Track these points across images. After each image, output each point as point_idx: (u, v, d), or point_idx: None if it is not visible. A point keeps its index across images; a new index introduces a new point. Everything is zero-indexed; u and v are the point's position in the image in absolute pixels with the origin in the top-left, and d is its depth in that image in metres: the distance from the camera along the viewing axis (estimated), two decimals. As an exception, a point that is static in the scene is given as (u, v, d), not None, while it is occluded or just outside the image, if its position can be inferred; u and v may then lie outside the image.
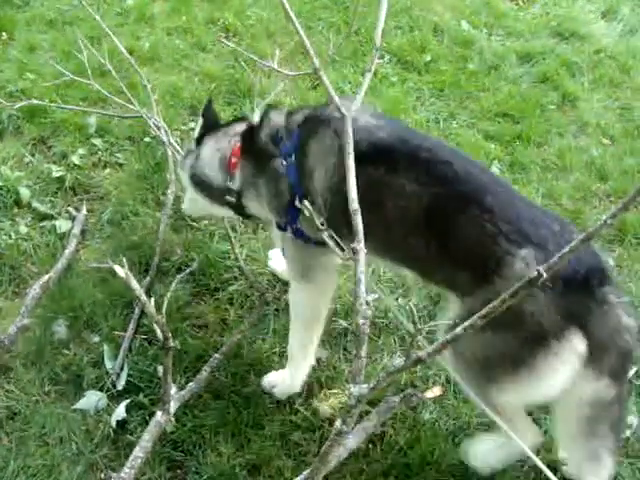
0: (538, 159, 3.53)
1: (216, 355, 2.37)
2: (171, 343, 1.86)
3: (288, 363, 2.53)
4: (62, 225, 3.04)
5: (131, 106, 3.13)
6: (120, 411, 2.41)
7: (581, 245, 1.43)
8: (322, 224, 2.19)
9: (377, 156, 2.03)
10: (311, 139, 2.25)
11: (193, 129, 2.86)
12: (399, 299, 2.83)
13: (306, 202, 2.19)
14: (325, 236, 2.18)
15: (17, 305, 2.67)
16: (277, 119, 2.36)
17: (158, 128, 3.06)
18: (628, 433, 2.49)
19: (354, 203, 1.81)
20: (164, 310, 1.83)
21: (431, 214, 2.03)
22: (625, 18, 4.60)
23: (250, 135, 2.39)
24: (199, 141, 2.51)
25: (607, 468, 2.16)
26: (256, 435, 2.40)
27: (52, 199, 3.18)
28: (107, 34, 4.01)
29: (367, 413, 2.15)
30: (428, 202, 2.05)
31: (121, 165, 3.36)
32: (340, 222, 2.07)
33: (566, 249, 1.42)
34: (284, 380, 2.51)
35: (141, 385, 2.50)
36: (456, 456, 2.40)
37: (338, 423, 1.75)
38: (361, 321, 1.71)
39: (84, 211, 3.09)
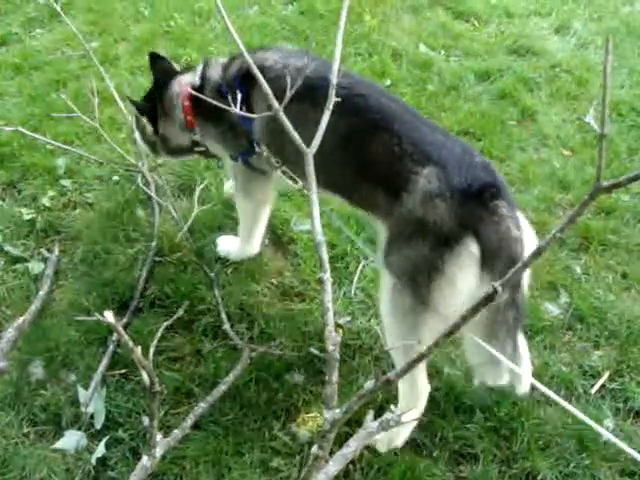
0: (501, 174, 3.57)
1: (202, 404, 2.39)
2: (157, 388, 1.87)
3: (239, 239, 3.08)
4: (35, 267, 3.06)
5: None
6: (100, 449, 2.42)
7: (533, 259, 1.48)
8: (277, 162, 2.48)
9: (303, 93, 2.15)
10: (251, 89, 2.53)
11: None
12: (371, 320, 2.87)
13: (263, 146, 2.46)
14: (280, 172, 2.46)
15: (-8, 349, 2.68)
16: (215, 75, 2.71)
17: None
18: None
19: (318, 235, 1.87)
20: (151, 356, 1.86)
21: (349, 141, 2.20)
22: (578, 33, 4.71)
23: (197, 96, 2.60)
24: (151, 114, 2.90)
25: (507, 372, 2.33)
26: (236, 463, 2.41)
27: (24, 242, 3.20)
28: (72, 78, 4.12)
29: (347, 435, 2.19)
30: (345, 131, 2.24)
31: (91, 205, 3.38)
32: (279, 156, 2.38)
33: (520, 263, 1.48)
34: (235, 246, 3.09)
35: (120, 420, 2.51)
36: (437, 472, 2.42)
37: (314, 448, 1.78)
38: (331, 347, 1.76)
39: (56, 252, 3.11)
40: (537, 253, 1.46)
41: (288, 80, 1.94)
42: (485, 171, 2.29)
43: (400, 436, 2.51)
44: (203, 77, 2.74)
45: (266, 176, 2.78)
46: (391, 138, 2.30)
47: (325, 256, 1.84)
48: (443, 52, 4.47)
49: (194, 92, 2.52)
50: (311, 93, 2.26)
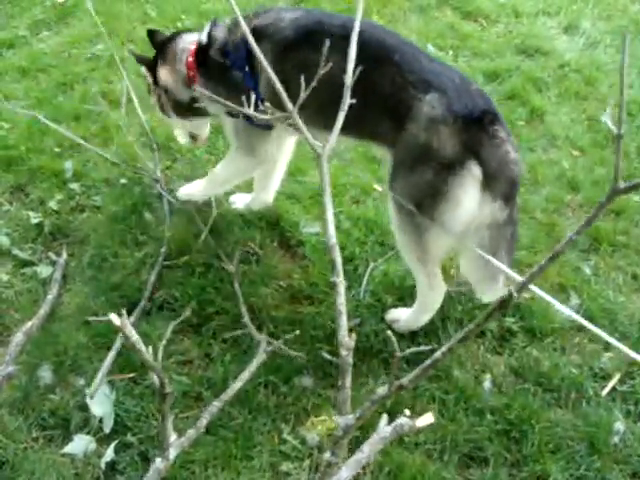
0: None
1: (215, 403, 2.37)
2: (168, 389, 1.87)
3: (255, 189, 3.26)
4: (43, 271, 3.05)
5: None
6: (109, 453, 2.42)
7: (549, 263, 1.46)
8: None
9: (302, 41, 2.41)
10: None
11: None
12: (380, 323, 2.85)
13: (267, 103, 2.41)
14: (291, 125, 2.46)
15: (1, 353, 2.67)
16: (221, 35, 2.78)
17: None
18: (616, 439, 2.52)
19: (332, 238, 1.86)
20: (160, 356, 1.85)
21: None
22: (587, 32, 4.69)
23: (202, 53, 2.81)
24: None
25: (501, 288, 2.54)
26: (245, 468, 2.40)
27: (32, 245, 3.19)
28: (79, 80, 4.12)
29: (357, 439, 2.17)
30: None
31: (99, 208, 3.38)
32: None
33: (536, 269, 1.46)
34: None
35: (129, 424, 2.50)
36: (448, 475, 2.41)
37: (327, 455, 1.77)
38: (344, 352, 1.75)
39: (64, 256, 3.10)
40: (554, 257, 1.45)
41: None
42: (482, 98, 2.43)
43: (421, 319, 2.75)
44: (210, 36, 2.81)
45: (269, 130, 2.83)
46: (392, 69, 2.42)
47: (338, 259, 1.84)
48: (451, 52, 4.46)
49: (201, 49, 2.76)
50: (309, 37, 2.43)
